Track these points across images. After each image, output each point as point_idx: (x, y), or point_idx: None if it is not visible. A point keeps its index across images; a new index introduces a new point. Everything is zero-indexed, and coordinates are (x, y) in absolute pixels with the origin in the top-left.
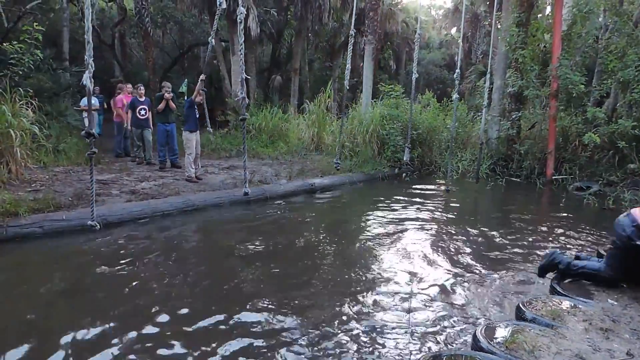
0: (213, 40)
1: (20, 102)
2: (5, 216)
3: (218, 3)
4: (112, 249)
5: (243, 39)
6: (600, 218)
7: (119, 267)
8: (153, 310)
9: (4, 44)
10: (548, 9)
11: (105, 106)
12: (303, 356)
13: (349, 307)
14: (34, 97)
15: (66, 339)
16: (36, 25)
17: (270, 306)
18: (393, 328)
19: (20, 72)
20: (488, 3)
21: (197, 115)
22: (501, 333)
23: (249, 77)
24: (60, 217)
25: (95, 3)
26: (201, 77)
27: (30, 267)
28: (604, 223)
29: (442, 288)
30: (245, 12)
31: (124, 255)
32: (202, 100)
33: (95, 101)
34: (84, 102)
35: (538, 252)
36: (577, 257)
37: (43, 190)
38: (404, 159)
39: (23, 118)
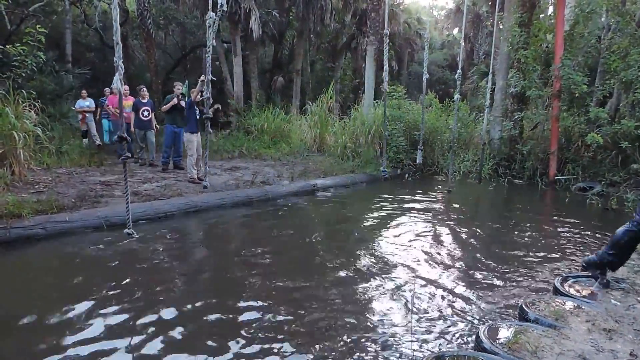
0: (214, 41)
1: (23, 104)
2: (9, 218)
3: (219, 4)
4: (115, 250)
5: (211, 41)
6: (604, 218)
7: (121, 268)
8: (155, 310)
9: (7, 47)
10: (550, 9)
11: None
12: (305, 356)
13: (352, 307)
14: (36, 99)
15: (68, 338)
16: (39, 28)
17: (271, 306)
18: (395, 328)
19: (23, 74)
20: (490, 3)
21: (198, 117)
22: (504, 333)
23: (215, 79)
24: (64, 218)
25: (98, 5)
26: (201, 78)
27: (34, 268)
28: (608, 223)
29: (445, 288)
30: (215, 17)
31: (126, 256)
32: (199, 100)
33: (90, 103)
34: (78, 104)
35: (540, 252)
36: None
37: (46, 192)
38: (417, 161)
39: (26, 120)
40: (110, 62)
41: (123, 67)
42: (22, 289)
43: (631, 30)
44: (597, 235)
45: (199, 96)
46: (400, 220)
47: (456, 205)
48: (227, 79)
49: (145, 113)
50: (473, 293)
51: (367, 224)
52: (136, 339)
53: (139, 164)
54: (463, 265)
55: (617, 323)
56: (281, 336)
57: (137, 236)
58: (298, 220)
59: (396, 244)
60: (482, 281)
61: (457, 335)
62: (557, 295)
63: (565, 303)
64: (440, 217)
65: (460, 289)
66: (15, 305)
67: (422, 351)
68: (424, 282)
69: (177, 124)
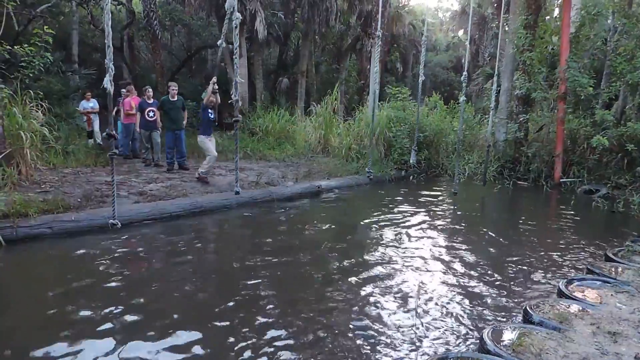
0: (224, 43)
1: (31, 104)
2: (16, 217)
3: (227, 9)
4: (120, 250)
5: (238, 43)
6: (609, 221)
7: (126, 268)
8: (157, 310)
9: (15, 47)
10: (556, 11)
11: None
12: (308, 357)
13: (355, 308)
14: (43, 99)
15: (70, 338)
16: (46, 29)
17: (274, 306)
18: (399, 329)
19: (31, 75)
20: (495, 5)
21: (212, 118)
22: (508, 336)
23: (242, 81)
24: (70, 218)
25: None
26: (212, 80)
27: (40, 267)
28: (614, 226)
29: (449, 290)
30: (242, 18)
31: (131, 256)
32: (214, 103)
33: (94, 104)
34: (82, 105)
35: (545, 254)
36: None
37: (52, 192)
38: (410, 161)
39: (33, 120)
40: (116, 63)
41: (113, 68)
42: (28, 288)
43: (637, 33)
44: (603, 238)
45: (212, 98)
46: (405, 222)
47: (461, 207)
48: (232, 80)
49: (151, 114)
50: (477, 295)
51: (371, 225)
52: (137, 337)
53: (144, 164)
54: (467, 267)
55: (622, 326)
56: (283, 336)
57: (120, 226)
58: (302, 222)
59: (400, 246)
60: (487, 283)
61: (461, 337)
62: (562, 298)
63: (569, 306)
64: (444, 219)
65: (465, 290)
66: (21, 304)
67: (426, 353)
68: (428, 284)
69: (175, 125)
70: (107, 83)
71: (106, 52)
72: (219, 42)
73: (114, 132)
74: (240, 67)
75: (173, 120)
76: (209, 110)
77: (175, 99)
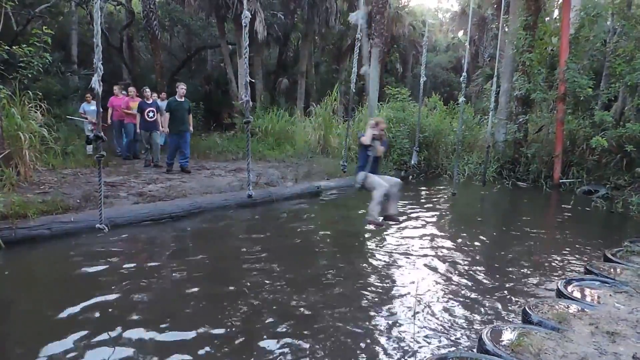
0: (367, 69)
1: (30, 105)
2: (15, 218)
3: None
4: (120, 251)
5: (248, 42)
6: (608, 222)
7: (126, 269)
8: (157, 312)
9: (14, 48)
10: (556, 12)
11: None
12: (307, 357)
13: (354, 308)
14: (42, 99)
15: (69, 340)
16: (45, 29)
17: (273, 307)
18: (398, 330)
19: (30, 75)
20: (495, 6)
21: (369, 155)
22: (507, 336)
23: (253, 81)
24: (69, 219)
25: (104, 7)
26: (370, 122)
27: (39, 268)
28: (612, 227)
29: (448, 290)
30: (251, 16)
31: (131, 257)
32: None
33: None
34: (82, 108)
35: (545, 255)
36: None
37: (51, 193)
38: (412, 161)
39: (32, 121)
40: (116, 63)
41: (102, 68)
42: (27, 290)
43: (636, 34)
44: (602, 238)
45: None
46: (404, 223)
47: (460, 208)
48: (232, 81)
49: (151, 114)
50: (476, 295)
51: (370, 226)
52: (136, 338)
53: (144, 165)
54: (466, 267)
55: (620, 326)
56: (280, 337)
57: (107, 230)
58: (301, 222)
59: (399, 246)
60: (486, 283)
61: (460, 337)
62: (561, 298)
63: (568, 306)
64: (443, 219)
65: (464, 291)
66: (20, 306)
67: (425, 353)
68: (427, 284)
69: (181, 127)
70: (95, 83)
71: (95, 51)
72: (363, 69)
73: (101, 133)
74: (240, 67)
75: (179, 121)
76: (367, 151)
77: (183, 99)
